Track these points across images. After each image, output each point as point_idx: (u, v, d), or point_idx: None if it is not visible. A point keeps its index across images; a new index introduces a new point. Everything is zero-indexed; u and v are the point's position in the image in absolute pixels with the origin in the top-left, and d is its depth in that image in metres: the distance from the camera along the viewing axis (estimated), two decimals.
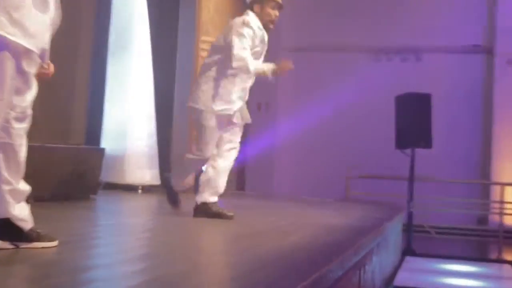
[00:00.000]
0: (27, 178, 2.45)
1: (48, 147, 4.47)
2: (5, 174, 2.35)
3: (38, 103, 2.45)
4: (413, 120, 6.83)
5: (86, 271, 2.16)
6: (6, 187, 2.35)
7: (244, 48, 3.85)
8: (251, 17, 3.95)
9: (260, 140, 8.18)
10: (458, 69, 9.07)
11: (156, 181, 6.39)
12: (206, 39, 6.99)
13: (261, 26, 3.97)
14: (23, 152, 2.41)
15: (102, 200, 5.15)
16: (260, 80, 4.05)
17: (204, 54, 7.03)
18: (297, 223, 4.29)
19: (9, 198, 2.36)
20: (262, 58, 4.07)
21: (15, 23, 2.17)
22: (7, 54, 2.14)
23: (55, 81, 2.50)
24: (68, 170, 4.80)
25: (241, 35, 3.86)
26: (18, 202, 2.40)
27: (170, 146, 6.95)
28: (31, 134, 2.45)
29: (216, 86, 3.95)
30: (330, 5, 9.27)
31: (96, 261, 2.43)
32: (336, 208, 6.10)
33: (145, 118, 6.40)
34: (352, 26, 9.06)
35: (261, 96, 7.79)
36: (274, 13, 3.99)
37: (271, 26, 4.02)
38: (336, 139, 8.77)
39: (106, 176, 5.79)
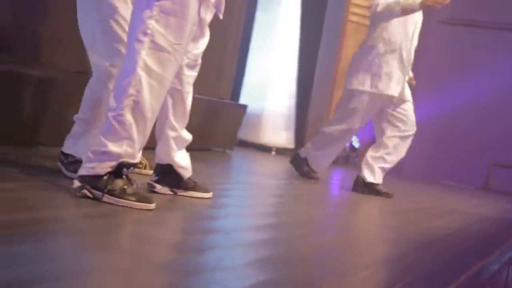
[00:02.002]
0: None
1: (197, 98, 4.49)
2: (172, 119, 2.36)
3: None
4: None
5: (211, 233, 1.99)
6: (171, 133, 2.36)
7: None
8: None
9: None
10: None
11: (291, 144, 6.32)
12: (358, 2, 6.72)
13: None
14: (189, 100, 2.41)
15: (237, 156, 5.17)
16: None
17: (354, 18, 6.79)
18: (441, 207, 4.04)
19: (173, 144, 2.38)
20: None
21: None
22: None
23: (211, 32, 2.42)
24: (212, 123, 4.87)
25: None
26: (180, 149, 2.41)
27: (308, 109, 6.79)
28: None
29: None
30: None
31: (223, 223, 2.23)
32: (476, 196, 5.72)
33: (287, 78, 6.30)
34: (511, 3, 8.24)
35: None
36: None
37: None
38: (481, 122, 8.09)
39: (241, 133, 5.81)
